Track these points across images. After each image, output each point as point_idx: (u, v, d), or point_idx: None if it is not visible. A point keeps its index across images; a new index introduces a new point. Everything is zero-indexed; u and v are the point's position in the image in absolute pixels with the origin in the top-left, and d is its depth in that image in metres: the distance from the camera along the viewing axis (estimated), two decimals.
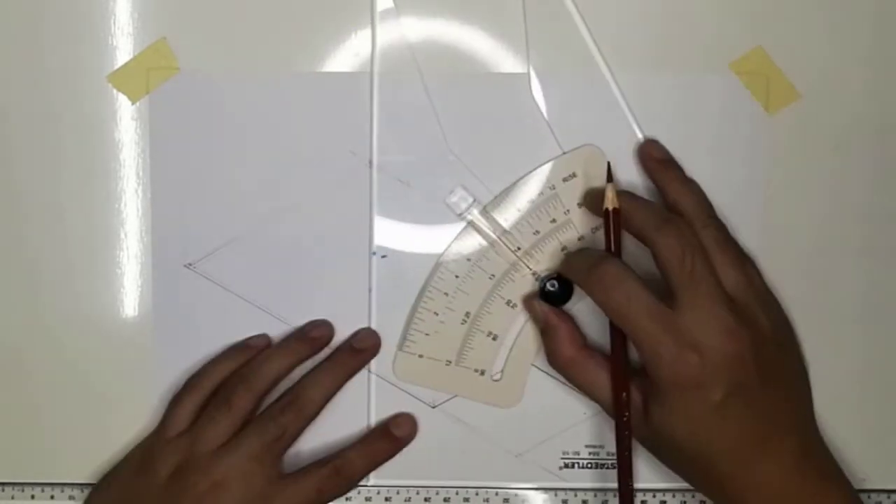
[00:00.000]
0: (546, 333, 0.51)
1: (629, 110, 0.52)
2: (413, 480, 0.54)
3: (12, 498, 0.54)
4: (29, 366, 0.53)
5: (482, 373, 0.53)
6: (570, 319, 0.51)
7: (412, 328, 0.53)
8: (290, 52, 0.52)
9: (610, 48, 0.51)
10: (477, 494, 0.54)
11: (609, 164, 0.49)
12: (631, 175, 0.52)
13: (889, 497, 0.54)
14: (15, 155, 0.52)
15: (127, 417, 0.53)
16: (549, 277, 0.52)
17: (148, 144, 0.52)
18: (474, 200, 0.52)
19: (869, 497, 0.53)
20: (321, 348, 0.52)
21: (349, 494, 0.53)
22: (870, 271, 0.53)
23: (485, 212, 0.52)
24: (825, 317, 0.53)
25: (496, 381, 0.53)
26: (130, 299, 0.53)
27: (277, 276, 0.53)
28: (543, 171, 0.52)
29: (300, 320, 0.53)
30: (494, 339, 0.53)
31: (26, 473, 0.54)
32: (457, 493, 0.54)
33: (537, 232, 0.52)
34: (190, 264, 0.53)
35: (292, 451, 0.51)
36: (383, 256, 0.53)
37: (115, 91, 0.52)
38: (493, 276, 0.52)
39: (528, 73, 0.52)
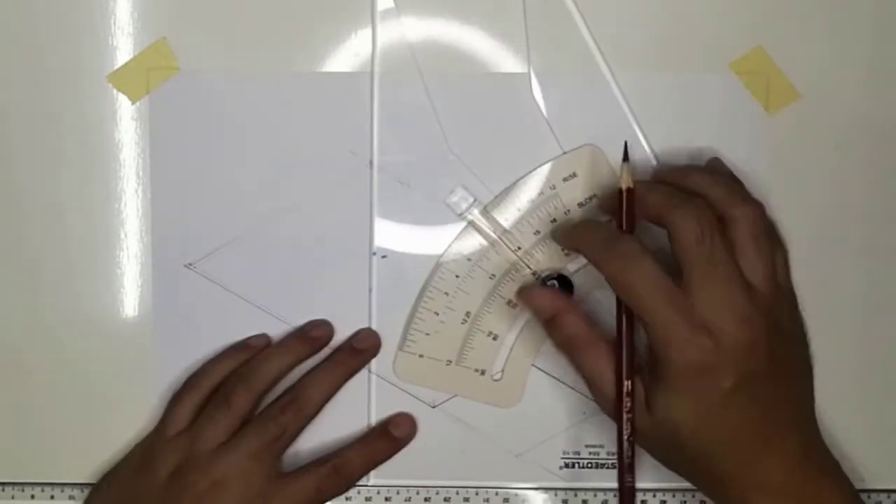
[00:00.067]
0: (555, 318, 0.49)
1: (629, 110, 0.52)
2: (413, 480, 0.54)
3: (12, 498, 0.54)
4: (29, 366, 0.53)
5: (482, 373, 0.53)
6: (577, 303, 0.50)
7: (412, 328, 0.53)
8: (290, 52, 0.52)
9: (610, 48, 0.51)
10: (477, 494, 0.54)
11: (626, 143, 0.49)
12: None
13: (889, 497, 0.54)
14: (15, 155, 0.52)
15: (127, 417, 0.53)
16: (549, 277, 0.52)
17: (148, 144, 0.52)
18: (475, 200, 0.52)
19: (869, 497, 0.53)
20: (321, 348, 0.52)
21: (349, 494, 0.53)
22: (870, 271, 0.53)
23: (485, 212, 0.52)
24: (825, 317, 0.53)
25: (496, 380, 0.53)
26: (130, 299, 0.53)
27: (277, 276, 0.53)
28: (543, 171, 0.52)
29: (300, 320, 0.53)
30: (495, 338, 0.53)
31: (26, 473, 0.54)
32: (457, 493, 0.54)
33: (538, 232, 0.52)
34: (190, 264, 0.53)
35: (291, 450, 0.51)
36: (383, 256, 0.53)
37: (115, 91, 0.52)
38: (493, 275, 0.52)
39: (529, 73, 0.52)
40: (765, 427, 0.46)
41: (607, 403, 0.48)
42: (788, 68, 0.52)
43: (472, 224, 0.52)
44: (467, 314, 0.52)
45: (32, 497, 0.54)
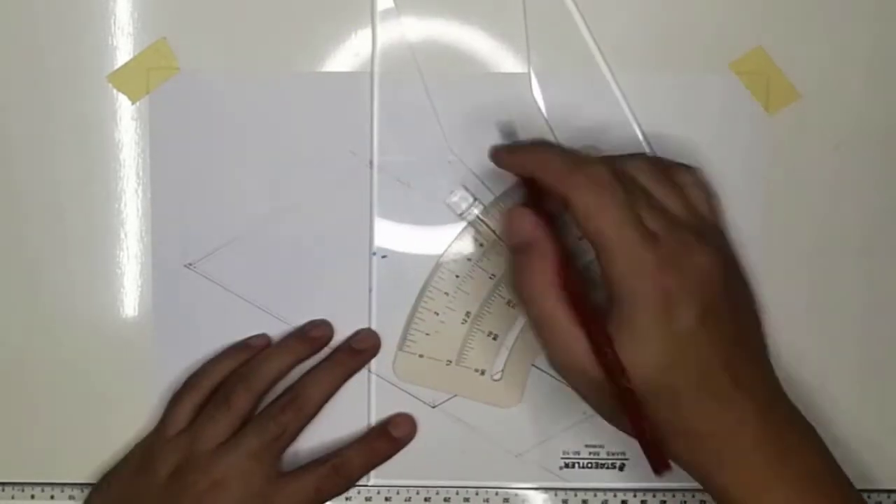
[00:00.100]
0: (524, 251, 0.45)
1: (629, 110, 0.52)
2: (413, 480, 0.54)
3: (12, 498, 0.54)
4: (29, 366, 0.53)
5: (482, 373, 0.53)
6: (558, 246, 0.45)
7: (412, 328, 0.53)
8: (290, 52, 0.52)
9: (610, 48, 0.51)
10: (477, 494, 0.54)
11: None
12: None
13: (889, 497, 0.54)
14: (15, 155, 0.52)
15: (127, 417, 0.53)
16: None
17: (148, 144, 0.52)
18: (475, 200, 0.52)
19: (869, 497, 0.53)
20: (321, 348, 0.52)
21: (349, 494, 0.53)
22: (870, 271, 0.53)
23: (485, 212, 0.52)
24: (825, 317, 0.53)
25: (496, 380, 0.53)
26: (130, 299, 0.53)
27: (277, 276, 0.53)
28: None
29: (300, 320, 0.53)
30: (495, 338, 0.53)
31: (26, 473, 0.54)
32: (457, 493, 0.54)
33: None
34: (190, 264, 0.53)
35: (291, 450, 0.51)
36: (383, 257, 0.53)
37: (115, 91, 0.52)
38: (493, 275, 0.52)
39: (529, 73, 0.52)
40: (732, 358, 0.44)
41: (565, 355, 0.44)
42: (788, 68, 0.52)
43: (472, 224, 0.52)
44: (467, 314, 0.52)
45: (32, 497, 0.54)
